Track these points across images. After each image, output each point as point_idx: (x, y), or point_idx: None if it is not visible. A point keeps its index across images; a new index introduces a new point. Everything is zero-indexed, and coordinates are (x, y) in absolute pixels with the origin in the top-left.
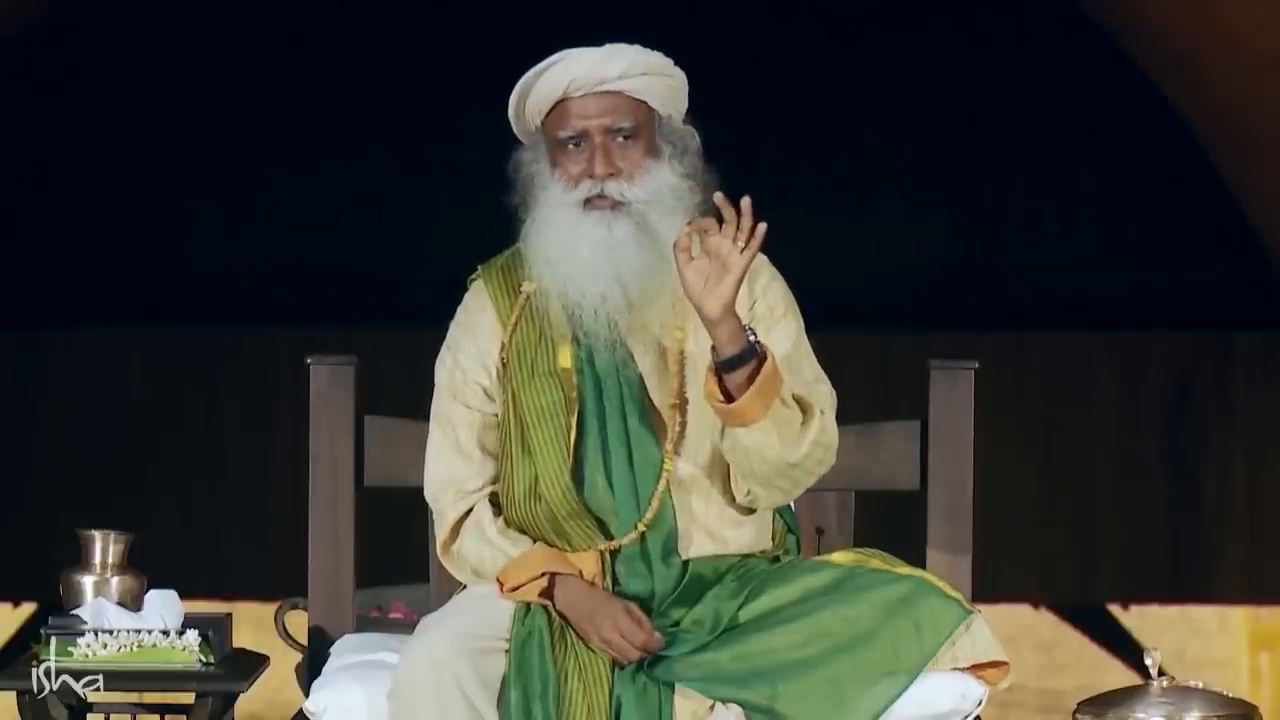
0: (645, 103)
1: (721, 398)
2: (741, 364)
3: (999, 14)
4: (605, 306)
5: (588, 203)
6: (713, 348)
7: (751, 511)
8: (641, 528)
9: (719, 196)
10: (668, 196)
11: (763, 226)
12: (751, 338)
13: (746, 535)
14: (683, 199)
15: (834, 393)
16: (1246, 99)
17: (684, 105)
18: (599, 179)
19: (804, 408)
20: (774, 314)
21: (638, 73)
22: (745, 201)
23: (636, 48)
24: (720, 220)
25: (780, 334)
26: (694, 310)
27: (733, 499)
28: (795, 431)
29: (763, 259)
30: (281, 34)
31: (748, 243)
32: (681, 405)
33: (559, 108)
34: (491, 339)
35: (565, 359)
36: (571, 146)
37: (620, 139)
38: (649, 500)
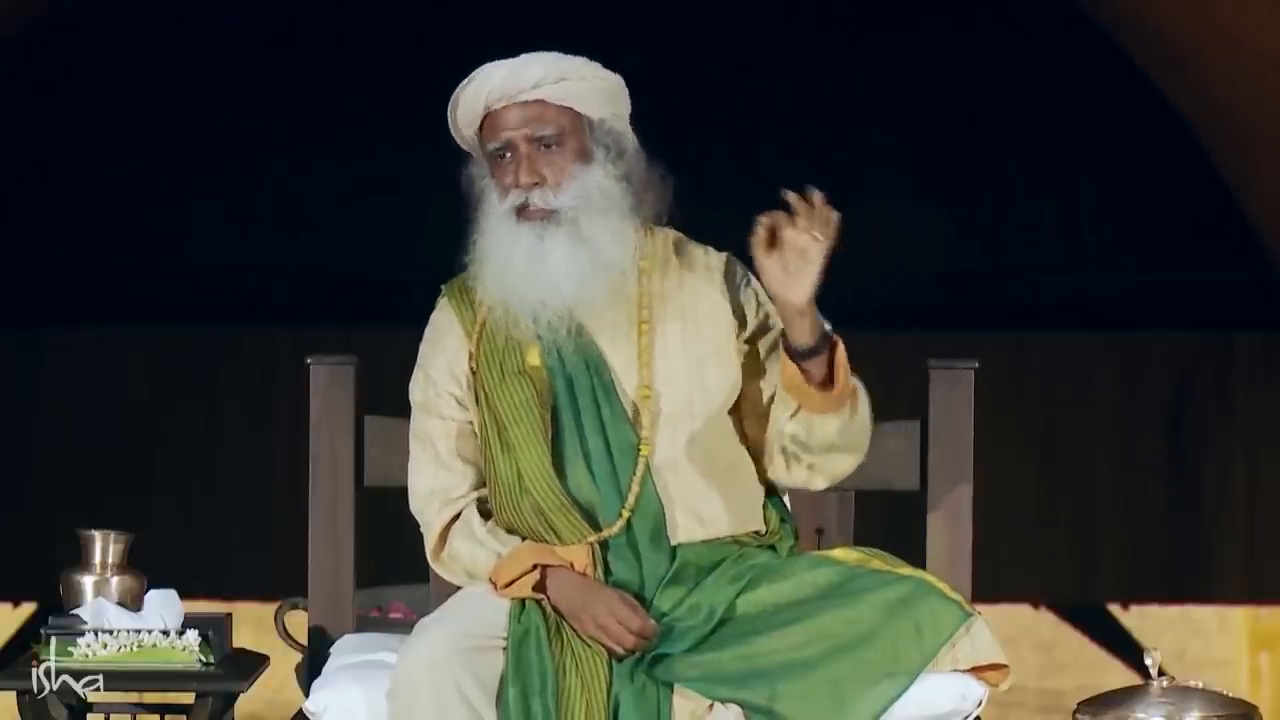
0: (570, 108)
1: (806, 385)
2: (817, 354)
3: (999, 14)
4: (546, 313)
5: (520, 213)
6: (783, 335)
7: (738, 489)
8: (626, 514)
9: (790, 194)
10: (598, 200)
11: (836, 215)
12: (827, 326)
13: (731, 515)
14: (615, 201)
15: None
16: (1246, 99)
17: (621, 107)
18: (524, 189)
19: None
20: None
21: (554, 80)
22: (817, 195)
23: (554, 55)
24: (790, 213)
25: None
26: (657, 304)
27: (715, 479)
28: (853, 403)
29: (725, 257)
30: (279, 33)
31: (823, 231)
32: (653, 395)
33: (487, 121)
34: (459, 349)
35: (534, 357)
36: (500, 159)
37: (543, 147)
38: (629, 485)
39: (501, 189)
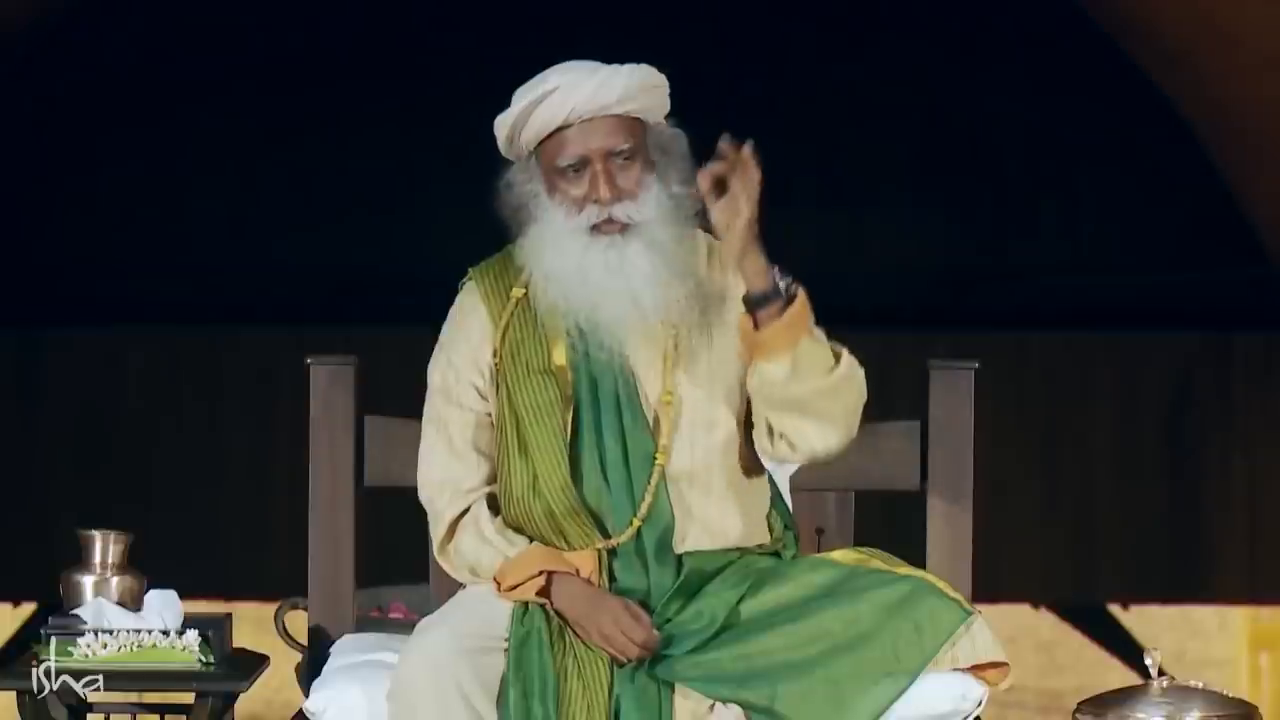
0: (639, 118)
1: (749, 327)
2: (769, 303)
3: (999, 14)
4: (618, 325)
5: (594, 228)
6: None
7: (750, 502)
8: (637, 523)
9: (723, 143)
10: (670, 210)
11: (748, 147)
12: (777, 279)
13: (741, 528)
14: (684, 208)
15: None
16: (1246, 98)
17: (667, 105)
18: (604, 204)
19: (836, 352)
20: None
21: (635, 93)
22: (746, 148)
23: (628, 67)
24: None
25: None
26: (687, 311)
27: (729, 491)
28: (823, 365)
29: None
30: (280, 34)
31: (745, 183)
32: (675, 401)
33: (557, 135)
34: (484, 339)
35: (559, 356)
36: (572, 172)
37: (620, 160)
38: (643, 494)
39: (572, 202)
